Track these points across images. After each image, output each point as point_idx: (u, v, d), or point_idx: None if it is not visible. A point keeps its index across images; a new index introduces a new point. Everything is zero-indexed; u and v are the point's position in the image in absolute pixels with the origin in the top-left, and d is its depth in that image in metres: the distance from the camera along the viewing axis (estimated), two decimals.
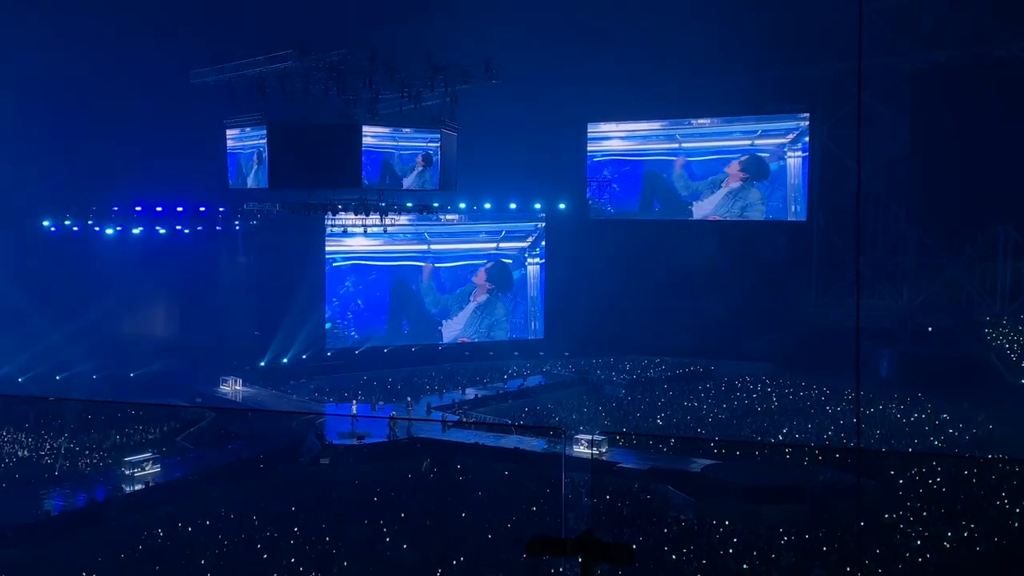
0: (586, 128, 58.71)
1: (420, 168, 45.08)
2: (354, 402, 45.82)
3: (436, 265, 56.23)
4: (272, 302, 50.88)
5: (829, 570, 24.92)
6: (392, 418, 40.73)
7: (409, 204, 47.78)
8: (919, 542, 26.20)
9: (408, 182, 45.40)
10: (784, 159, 55.32)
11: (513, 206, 56.96)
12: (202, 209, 46.15)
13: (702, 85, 54.40)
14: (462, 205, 54.12)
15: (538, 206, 57.60)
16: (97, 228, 45.86)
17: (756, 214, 56.16)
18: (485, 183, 53.07)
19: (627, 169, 58.61)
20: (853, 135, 52.11)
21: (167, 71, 43.57)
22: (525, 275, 57.59)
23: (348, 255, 53.83)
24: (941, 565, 25.18)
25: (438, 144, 45.21)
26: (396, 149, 45.00)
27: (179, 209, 45.79)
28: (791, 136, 55.18)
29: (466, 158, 47.27)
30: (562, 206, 57.95)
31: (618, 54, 51.48)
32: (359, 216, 46.89)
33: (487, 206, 55.84)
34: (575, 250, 55.72)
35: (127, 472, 33.03)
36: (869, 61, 49.22)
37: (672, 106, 56.21)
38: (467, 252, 56.64)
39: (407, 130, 44.87)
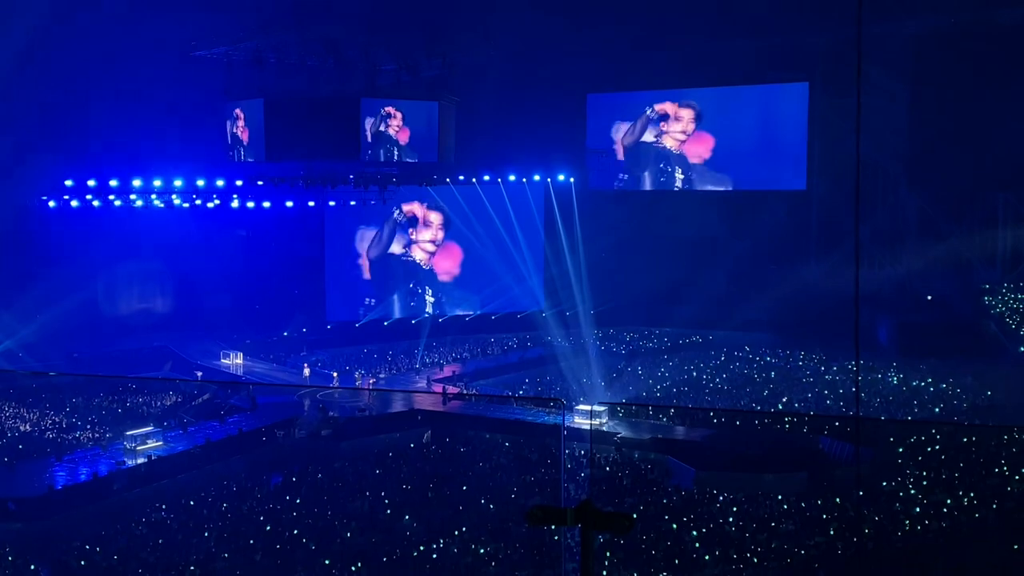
0: (586, 98, 58.45)
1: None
2: (305, 366, 46.07)
3: (435, 237, 56.23)
4: (272, 275, 50.88)
5: (828, 538, 25.08)
6: (370, 387, 41.03)
7: (406, 176, 47.72)
8: (918, 509, 26.35)
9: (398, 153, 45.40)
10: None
11: (512, 178, 56.83)
12: (201, 182, 46.03)
13: (702, 54, 54.06)
14: (461, 177, 53.96)
15: (537, 178, 57.48)
16: (97, 202, 45.79)
17: (753, 183, 56.07)
18: (484, 154, 52.91)
19: (627, 140, 58.35)
20: (853, 103, 51.90)
21: (166, 45, 43.37)
22: (524, 246, 57.49)
23: (348, 227, 53.77)
24: (940, 532, 25.33)
25: (436, 115, 45.11)
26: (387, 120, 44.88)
27: (178, 183, 45.68)
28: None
29: (465, 130, 47.15)
30: (562, 177, 57.84)
31: (617, 24, 51.16)
32: (358, 188, 46.85)
33: (486, 178, 55.72)
34: (576, 221, 55.64)
35: (129, 446, 33.16)
36: (869, 28, 48.90)
37: (672, 76, 55.90)
38: (465, 223, 56.57)
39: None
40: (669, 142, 57.27)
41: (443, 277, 56.36)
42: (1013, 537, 24.17)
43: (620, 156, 58.11)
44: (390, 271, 55.60)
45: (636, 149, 57.86)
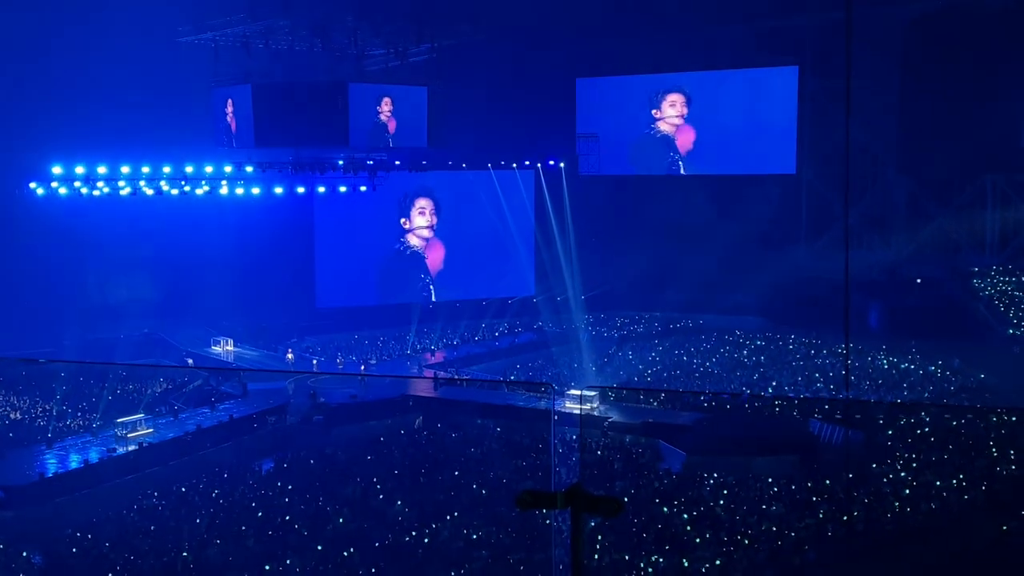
0: (575, 83, 58.31)
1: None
2: (289, 351, 46.11)
3: (425, 222, 56.12)
4: (262, 262, 50.67)
5: (818, 520, 25.20)
6: (362, 373, 41.06)
7: (397, 162, 47.60)
8: (907, 491, 26.48)
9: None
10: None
11: (502, 163, 56.72)
12: (189, 169, 45.83)
13: (692, 39, 54.00)
14: (450, 162, 53.79)
15: (527, 162, 57.37)
16: (85, 189, 45.52)
17: (742, 167, 56.10)
18: (474, 139, 52.77)
19: (616, 124, 58.25)
20: (843, 86, 51.87)
21: (152, 31, 43.14)
22: (514, 232, 57.40)
23: (337, 212, 53.53)
24: (929, 514, 25.46)
25: (425, 101, 45.02)
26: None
27: (166, 169, 45.45)
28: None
29: (454, 115, 47.03)
30: (552, 162, 57.74)
31: (607, 7, 51.07)
32: (347, 174, 46.75)
33: (476, 162, 55.56)
34: (566, 207, 55.61)
35: (120, 433, 33.11)
36: (859, 11, 48.86)
37: (661, 60, 55.81)
38: (456, 208, 56.52)
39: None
40: (665, 127, 57.27)
41: (432, 268, 56.23)
42: (1002, 518, 24.31)
43: None
44: (396, 259, 55.54)
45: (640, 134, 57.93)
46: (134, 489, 29.96)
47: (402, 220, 55.36)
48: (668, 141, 57.30)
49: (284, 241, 51.73)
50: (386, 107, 45.09)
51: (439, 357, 47.14)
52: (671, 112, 57.02)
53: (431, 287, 56.03)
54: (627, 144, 58.18)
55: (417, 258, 56.16)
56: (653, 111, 57.04)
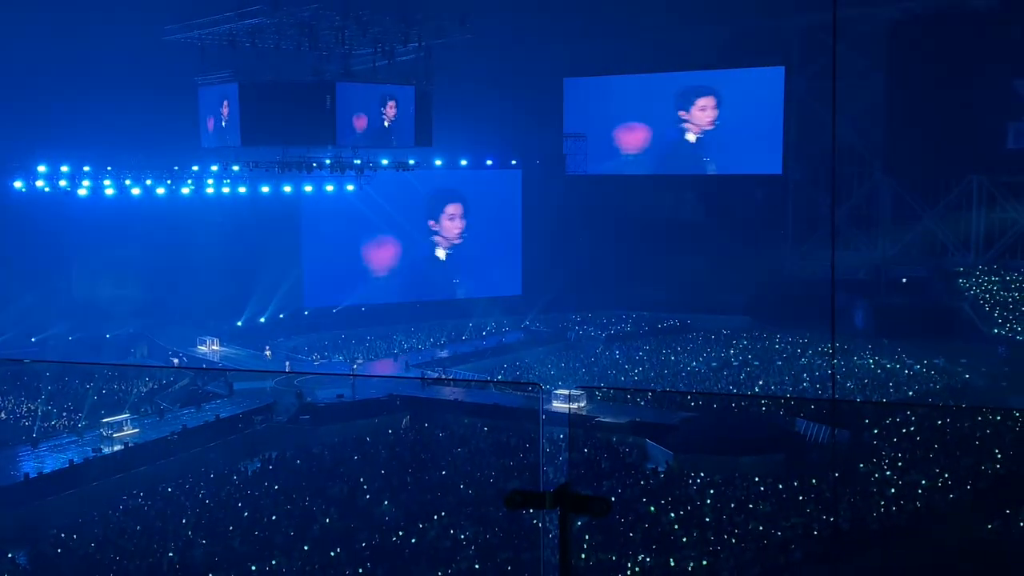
0: (562, 83, 58.34)
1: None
2: (267, 348, 46.23)
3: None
4: (248, 261, 50.52)
5: (805, 518, 25.26)
6: (353, 373, 40.99)
7: (385, 161, 47.49)
8: (893, 490, 26.57)
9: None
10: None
11: (489, 162, 56.74)
12: (175, 168, 45.64)
13: (679, 39, 54.07)
14: (438, 161, 53.71)
15: (514, 162, 57.39)
16: (69, 189, 45.26)
17: (731, 167, 56.22)
18: (461, 139, 52.74)
19: (602, 123, 58.29)
20: (829, 87, 52.04)
21: (137, 29, 42.93)
22: (501, 231, 57.41)
23: (324, 211, 53.38)
24: (915, 512, 25.56)
25: (412, 100, 44.96)
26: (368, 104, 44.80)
27: (151, 169, 45.23)
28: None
29: (442, 114, 46.98)
30: (539, 161, 57.74)
31: (594, 8, 51.10)
32: (334, 173, 46.63)
33: (463, 162, 55.57)
34: (552, 205, 55.61)
35: (105, 433, 32.96)
36: (845, 12, 49.02)
37: (648, 60, 55.87)
38: (443, 208, 56.55)
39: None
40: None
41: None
42: (987, 516, 24.42)
43: None
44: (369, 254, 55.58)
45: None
46: (120, 489, 29.83)
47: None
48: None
49: (271, 240, 51.55)
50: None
51: (427, 356, 47.05)
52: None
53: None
54: (617, 142, 58.31)
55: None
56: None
